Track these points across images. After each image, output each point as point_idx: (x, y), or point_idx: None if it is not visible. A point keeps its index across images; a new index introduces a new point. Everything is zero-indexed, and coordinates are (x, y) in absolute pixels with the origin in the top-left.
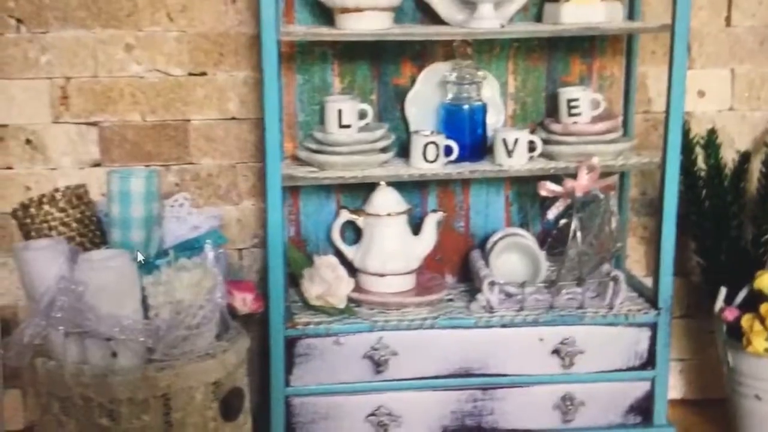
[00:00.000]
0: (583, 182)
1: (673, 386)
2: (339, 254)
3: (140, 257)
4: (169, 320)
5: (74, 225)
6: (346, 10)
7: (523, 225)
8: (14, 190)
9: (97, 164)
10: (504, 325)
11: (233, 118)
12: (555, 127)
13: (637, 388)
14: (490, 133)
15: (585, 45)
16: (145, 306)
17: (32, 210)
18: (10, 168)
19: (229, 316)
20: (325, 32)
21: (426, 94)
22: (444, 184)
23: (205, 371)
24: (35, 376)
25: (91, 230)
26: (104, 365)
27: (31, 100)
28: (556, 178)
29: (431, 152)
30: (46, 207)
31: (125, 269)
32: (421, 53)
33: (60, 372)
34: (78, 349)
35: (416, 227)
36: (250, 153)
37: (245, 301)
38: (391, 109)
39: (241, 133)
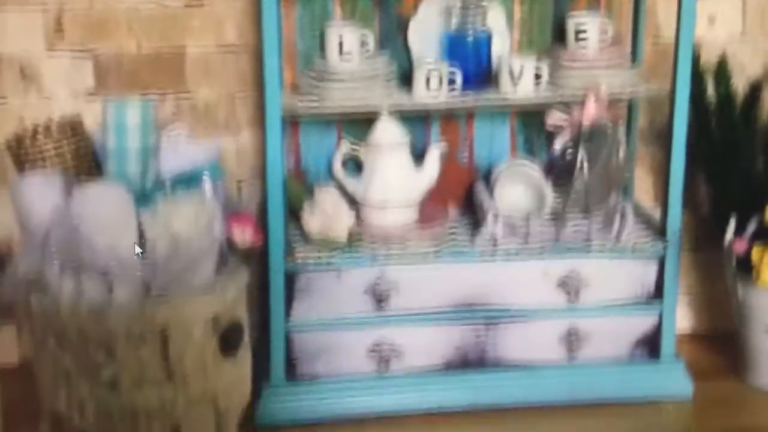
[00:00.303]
0: (590, 111)
1: (681, 320)
2: (340, 186)
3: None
4: (166, 254)
5: (69, 156)
6: None
7: (529, 155)
8: (8, 122)
9: (92, 94)
10: (508, 258)
11: (231, 46)
12: (562, 54)
13: (644, 322)
14: (495, 61)
15: None
16: (142, 240)
17: (26, 141)
18: (3, 98)
19: (228, 249)
20: None
21: (429, 22)
22: (447, 114)
23: (204, 306)
24: (30, 311)
25: (87, 162)
26: (100, 300)
27: (25, 29)
28: (563, 108)
29: (434, 82)
30: (41, 138)
31: (121, 202)
32: None
33: (55, 307)
34: (74, 284)
35: (419, 159)
36: (248, 83)
37: (244, 235)
38: (393, 37)
39: (240, 62)
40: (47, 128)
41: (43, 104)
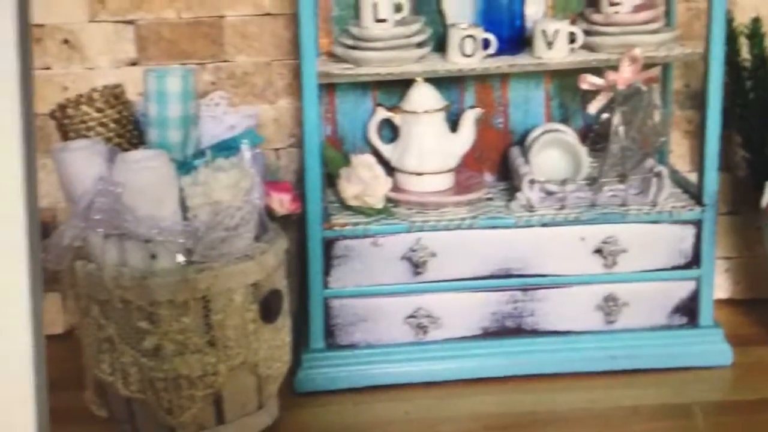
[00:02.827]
0: (625, 74)
1: (719, 286)
2: (376, 153)
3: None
4: (207, 221)
5: (112, 125)
6: None
7: (564, 120)
8: (52, 91)
9: (133, 63)
10: (544, 224)
11: (268, 14)
12: (596, 17)
13: (682, 288)
14: (529, 25)
15: None
16: (183, 207)
17: (70, 110)
18: (47, 68)
19: (267, 217)
20: None
21: None
22: (482, 79)
23: (244, 273)
24: (74, 279)
25: (129, 130)
26: (143, 267)
27: None
28: (598, 71)
29: (469, 46)
30: (84, 107)
31: (163, 170)
32: None
33: (99, 275)
34: (117, 252)
35: (454, 124)
36: (285, 50)
37: (282, 202)
38: (427, 2)
39: (276, 29)
40: (90, 97)
41: (86, 74)
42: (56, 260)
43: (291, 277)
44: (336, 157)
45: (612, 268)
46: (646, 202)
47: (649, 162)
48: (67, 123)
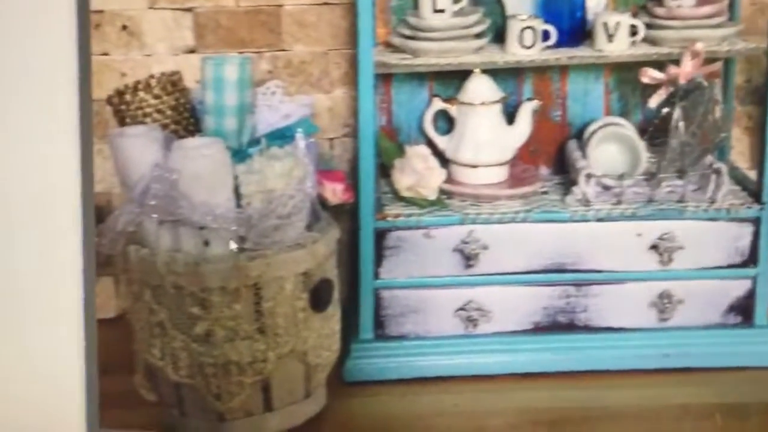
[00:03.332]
0: (686, 69)
1: None
2: (431, 144)
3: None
4: (260, 209)
5: (169, 112)
6: None
7: (623, 114)
8: (110, 77)
9: (191, 51)
10: (600, 219)
11: (326, 3)
12: (658, 10)
13: (737, 287)
14: (590, 17)
15: None
16: (237, 195)
17: (127, 97)
18: (106, 54)
19: (320, 206)
20: None
21: None
22: (540, 71)
23: (296, 261)
24: (128, 263)
25: (185, 118)
26: (196, 253)
27: None
28: (659, 65)
29: (528, 37)
30: (141, 94)
31: (219, 157)
32: None
33: (152, 260)
34: (171, 237)
35: (510, 116)
36: (342, 39)
37: (335, 192)
38: None
39: (334, 19)
40: (148, 84)
41: (144, 60)
42: (110, 245)
43: (342, 267)
44: (390, 148)
45: (667, 264)
46: (704, 199)
47: (709, 158)
48: (124, 109)
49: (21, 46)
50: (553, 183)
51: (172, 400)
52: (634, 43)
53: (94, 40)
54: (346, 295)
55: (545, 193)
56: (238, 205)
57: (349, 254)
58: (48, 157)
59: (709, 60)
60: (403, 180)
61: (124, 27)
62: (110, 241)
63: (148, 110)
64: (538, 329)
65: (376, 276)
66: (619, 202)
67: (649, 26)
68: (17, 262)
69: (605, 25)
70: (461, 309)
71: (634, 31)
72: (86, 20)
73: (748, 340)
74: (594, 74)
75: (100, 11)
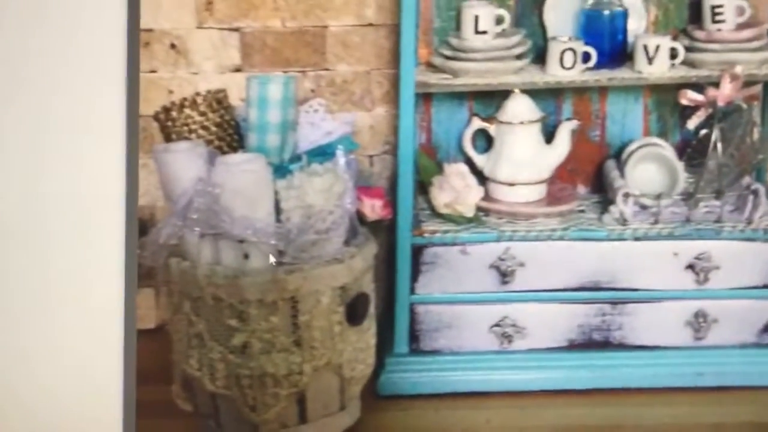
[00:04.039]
0: (725, 91)
1: None
2: (469, 162)
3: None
4: (299, 224)
5: (213, 129)
6: None
7: (662, 135)
8: (157, 94)
9: (237, 69)
10: (637, 238)
11: (370, 24)
12: (698, 34)
13: None
14: (630, 39)
15: None
16: (278, 210)
17: (174, 113)
18: (154, 72)
19: (358, 221)
20: None
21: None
22: (580, 91)
23: (333, 275)
24: (169, 275)
25: (230, 134)
26: (236, 267)
27: (177, 5)
28: (698, 87)
29: (568, 59)
30: (187, 110)
31: (261, 173)
32: None
33: (193, 272)
34: (211, 251)
35: (549, 136)
36: (385, 59)
37: (374, 208)
38: (528, 14)
39: (377, 40)
40: (194, 101)
41: (191, 78)
42: (152, 257)
43: (378, 282)
44: (429, 166)
45: (703, 284)
46: (741, 219)
47: (746, 179)
48: (170, 125)
49: (72, 62)
50: (590, 202)
51: (208, 410)
52: (673, 65)
53: (143, 58)
54: (382, 309)
55: (582, 211)
56: (278, 220)
57: (385, 269)
58: (94, 171)
59: (748, 83)
60: (441, 197)
61: (173, 45)
62: (152, 253)
63: (193, 126)
64: (573, 346)
65: (412, 291)
66: (656, 222)
67: (688, 49)
68: (62, 272)
69: (645, 47)
70: (496, 325)
71: (673, 53)
72: (136, 39)
73: None
74: (633, 96)
75: (150, 30)
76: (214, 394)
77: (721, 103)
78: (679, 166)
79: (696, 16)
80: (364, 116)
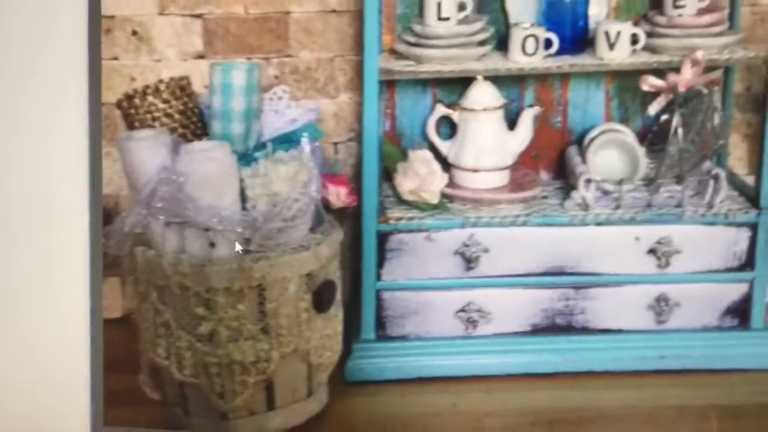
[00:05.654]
0: (686, 77)
1: None
2: (433, 149)
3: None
4: (265, 212)
5: (177, 116)
6: None
7: (623, 120)
8: (119, 81)
9: (200, 56)
10: (599, 224)
11: (333, 11)
12: (659, 19)
13: (734, 290)
14: (592, 25)
15: None
16: (243, 198)
17: (136, 101)
18: (115, 59)
19: (323, 209)
20: None
21: None
22: (542, 78)
23: (299, 263)
24: (134, 264)
25: (193, 122)
26: (202, 255)
27: None
28: (659, 73)
29: (530, 45)
30: (150, 98)
31: (225, 161)
32: None
33: (159, 261)
34: (177, 239)
35: (512, 122)
36: (348, 46)
37: (339, 195)
38: (491, 1)
39: (340, 26)
40: (157, 89)
41: (154, 65)
42: (117, 246)
43: (344, 269)
44: (393, 152)
45: (665, 268)
46: (702, 204)
47: (707, 164)
48: (133, 113)
49: (32, 49)
50: (553, 188)
51: (176, 399)
52: (634, 51)
53: (105, 45)
54: (349, 296)
55: (545, 197)
56: (244, 208)
57: (351, 256)
58: (57, 160)
59: (709, 68)
60: (405, 184)
61: (135, 32)
62: (117, 242)
63: (156, 114)
64: (537, 331)
65: (378, 278)
66: (617, 207)
67: (650, 35)
68: (25, 262)
69: (606, 33)
70: (461, 310)
71: (635, 39)
72: (97, 25)
73: (744, 343)
74: (595, 82)
75: (111, 16)
76: (182, 382)
77: (682, 89)
78: (641, 151)
79: (657, 1)
80: (328, 103)
